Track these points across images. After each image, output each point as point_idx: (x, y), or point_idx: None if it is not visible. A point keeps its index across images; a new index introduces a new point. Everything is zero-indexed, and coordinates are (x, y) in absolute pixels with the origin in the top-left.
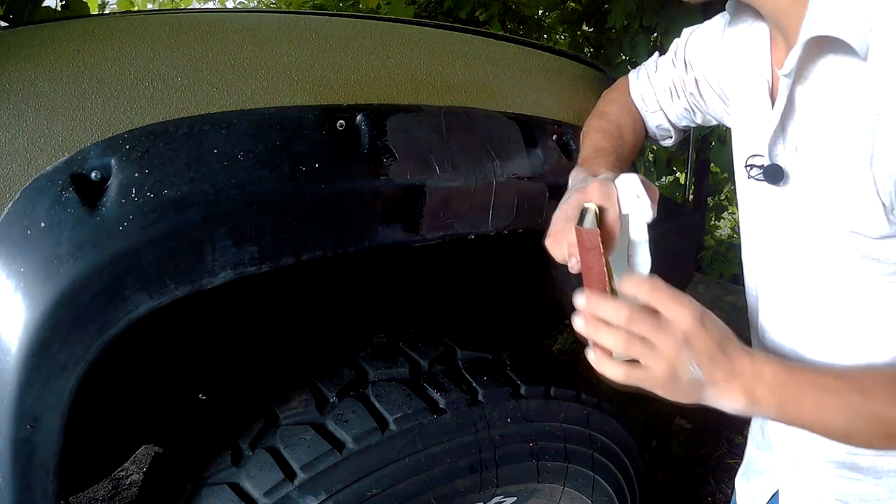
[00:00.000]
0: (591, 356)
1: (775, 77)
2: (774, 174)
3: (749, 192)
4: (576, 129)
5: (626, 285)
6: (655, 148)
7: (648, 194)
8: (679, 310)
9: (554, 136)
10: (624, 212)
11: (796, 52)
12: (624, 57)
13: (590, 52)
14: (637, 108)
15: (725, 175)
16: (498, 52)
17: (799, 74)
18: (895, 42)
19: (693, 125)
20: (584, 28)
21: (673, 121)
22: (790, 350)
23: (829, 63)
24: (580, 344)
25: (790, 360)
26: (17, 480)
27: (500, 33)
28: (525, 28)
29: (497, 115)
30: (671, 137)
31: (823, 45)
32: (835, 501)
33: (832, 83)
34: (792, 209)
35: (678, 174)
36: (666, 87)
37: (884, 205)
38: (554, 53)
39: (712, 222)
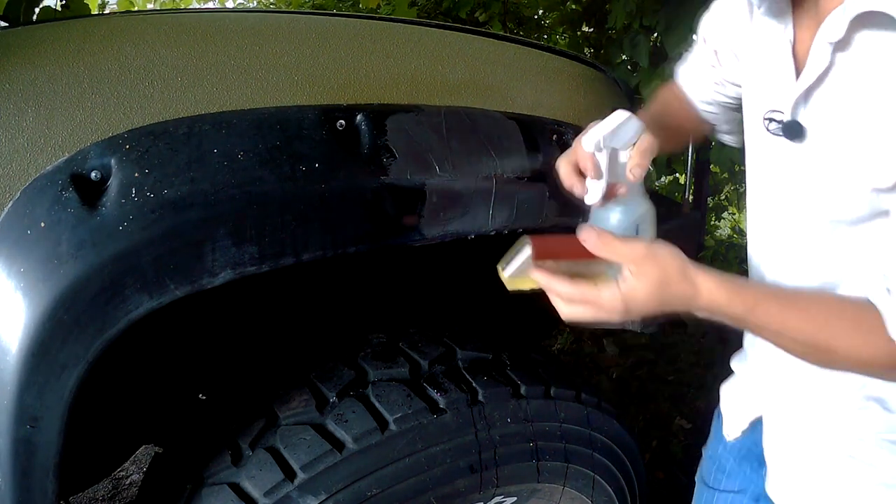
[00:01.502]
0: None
1: (798, 38)
2: (794, 130)
3: (763, 145)
4: (576, 129)
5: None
6: None
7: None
8: (605, 296)
9: (554, 136)
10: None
11: (841, 25)
12: (624, 57)
13: (590, 52)
14: (685, 93)
15: (725, 175)
16: (498, 52)
17: (840, 41)
18: None
19: (730, 100)
20: (584, 28)
21: (713, 99)
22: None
23: (867, 32)
24: (580, 344)
25: (756, 298)
26: (17, 480)
27: (500, 33)
28: (525, 28)
29: (497, 115)
30: (727, 126)
31: (870, 15)
32: (808, 428)
33: (869, 50)
34: (808, 165)
35: (678, 174)
36: (699, 67)
37: None
38: (554, 53)
39: (712, 222)
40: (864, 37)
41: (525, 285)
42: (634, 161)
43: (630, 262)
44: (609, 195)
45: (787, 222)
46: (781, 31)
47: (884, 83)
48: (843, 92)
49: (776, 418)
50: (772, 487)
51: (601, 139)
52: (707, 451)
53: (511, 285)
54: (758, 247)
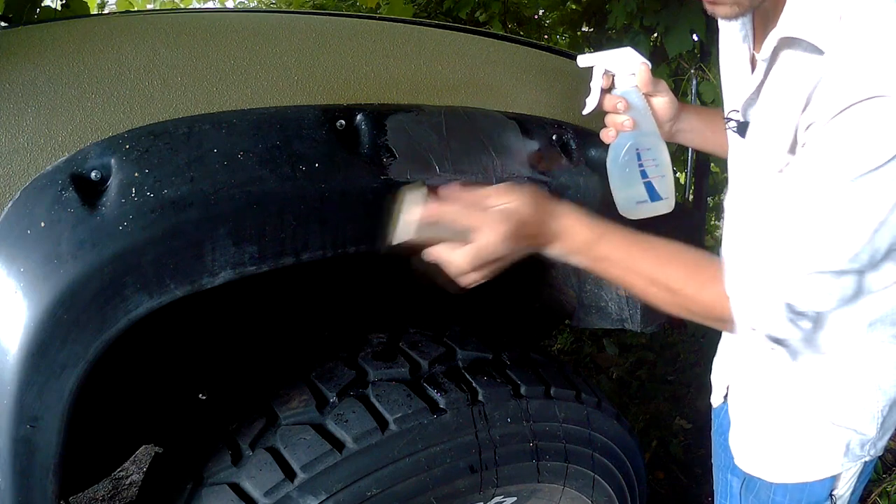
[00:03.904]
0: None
1: (753, 53)
2: (744, 128)
3: (728, 140)
4: (576, 129)
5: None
6: None
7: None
8: (485, 236)
9: (554, 136)
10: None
11: (771, 44)
12: None
13: (590, 52)
14: None
15: (725, 175)
16: (498, 52)
17: (772, 57)
18: (849, 40)
19: None
20: (584, 28)
21: None
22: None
23: (795, 52)
24: (580, 344)
25: (605, 230)
26: (17, 480)
27: (500, 33)
28: (525, 28)
29: (497, 114)
30: None
31: (793, 39)
32: (763, 394)
33: (796, 66)
34: (750, 157)
35: (678, 174)
36: None
37: (795, 141)
38: (554, 53)
39: (712, 222)
40: (785, 55)
41: (415, 233)
42: (641, 79)
43: (500, 196)
44: (605, 109)
45: (741, 208)
46: (745, 47)
47: (787, 91)
48: (770, 98)
49: (740, 379)
50: (733, 438)
51: (593, 58)
52: (712, 431)
53: (403, 236)
54: (727, 231)
